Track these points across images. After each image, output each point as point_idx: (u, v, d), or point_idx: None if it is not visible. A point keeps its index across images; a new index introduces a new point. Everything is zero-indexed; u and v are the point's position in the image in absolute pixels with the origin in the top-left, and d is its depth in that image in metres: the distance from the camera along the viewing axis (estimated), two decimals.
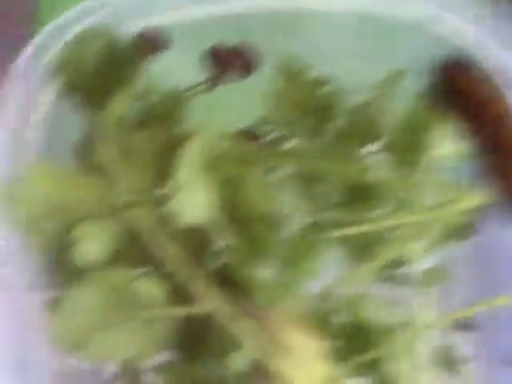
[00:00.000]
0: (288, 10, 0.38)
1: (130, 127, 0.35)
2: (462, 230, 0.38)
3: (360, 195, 0.37)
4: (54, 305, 0.31)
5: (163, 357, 0.34)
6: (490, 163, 0.36)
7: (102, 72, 0.35)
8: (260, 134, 0.40)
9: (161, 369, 0.34)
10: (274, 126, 0.40)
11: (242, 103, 0.40)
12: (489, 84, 0.36)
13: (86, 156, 0.33)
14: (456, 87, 0.36)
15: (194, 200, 0.31)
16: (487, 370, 0.41)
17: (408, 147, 0.38)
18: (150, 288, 0.31)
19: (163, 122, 0.36)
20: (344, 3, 0.39)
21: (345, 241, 0.35)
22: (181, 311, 0.31)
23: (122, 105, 0.34)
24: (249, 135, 0.40)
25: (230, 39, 0.39)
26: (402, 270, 0.37)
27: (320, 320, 0.33)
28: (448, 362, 0.37)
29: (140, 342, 0.31)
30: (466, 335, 0.41)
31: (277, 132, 0.40)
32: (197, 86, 0.38)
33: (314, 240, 0.32)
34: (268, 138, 0.40)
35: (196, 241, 0.32)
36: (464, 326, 0.40)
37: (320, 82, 0.39)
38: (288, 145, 0.39)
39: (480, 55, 0.37)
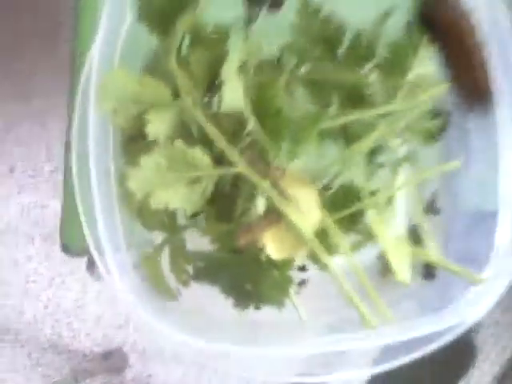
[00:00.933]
0: None
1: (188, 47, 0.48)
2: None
3: (355, 98, 0.50)
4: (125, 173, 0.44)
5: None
6: (454, 70, 0.48)
7: (170, 2, 0.47)
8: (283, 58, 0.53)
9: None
10: (295, 52, 0.52)
11: (272, 33, 0.53)
12: (456, 8, 0.47)
13: (155, 66, 0.46)
14: (432, 15, 0.48)
15: (233, 93, 0.44)
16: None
17: (395, 65, 0.50)
18: (198, 155, 0.44)
19: (210, 48, 0.48)
20: None
21: (341, 130, 0.48)
22: (220, 171, 0.44)
23: (183, 29, 0.47)
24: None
25: None
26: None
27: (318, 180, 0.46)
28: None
29: (190, 196, 0.44)
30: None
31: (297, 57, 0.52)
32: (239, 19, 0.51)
33: (315, 123, 0.44)
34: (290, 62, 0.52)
35: (234, 123, 0.45)
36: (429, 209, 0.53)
37: (330, 19, 0.51)
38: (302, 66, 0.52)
39: None
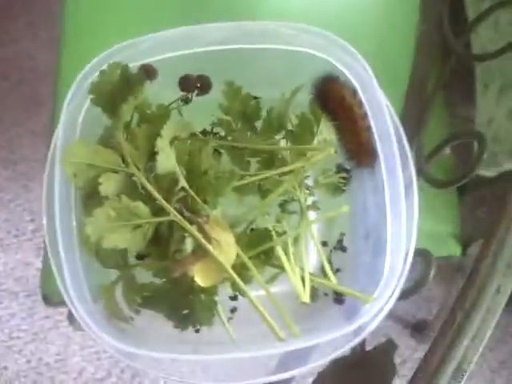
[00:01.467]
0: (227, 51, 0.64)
1: (134, 125, 0.61)
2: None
3: (269, 160, 0.63)
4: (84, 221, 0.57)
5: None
6: (345, 135, 0.61)
7: (119, 90, 0.60)
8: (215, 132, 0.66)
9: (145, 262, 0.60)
10: (222, 126, 0.66)
11: (203, 113, 0.66)
12: (345, 90, 0.61)
13: (108, 138, 0.60)
14: (326, 94, 0.62)
15: (166, 159, 0.57)
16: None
17: (303, 133, 0.64)
18: (140, 207, 0.56)
19: (153, 123, 0.61)
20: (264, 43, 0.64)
21: (258, 185, 0.61)
22: (157, 219, 0.57)
23: (128, 111, 0.60)
24: (207, 132, 0.66)
25: (194, 72, 0.64)
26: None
27: (235, 225, 0.59)
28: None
29: (134, 238, 0.56)
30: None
31: (224, 129, 0.66)
32: (176, 101, 0.64)
33: (230, 181, 0.57)
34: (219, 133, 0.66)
35: (169, 182, 0.58)
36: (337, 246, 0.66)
37: (249, 98, 0.65)
38: (229, 136, 0.65)
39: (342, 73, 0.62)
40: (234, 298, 0.63)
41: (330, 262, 0.63)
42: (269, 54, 0.64)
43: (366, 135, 0.59)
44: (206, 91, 0.64)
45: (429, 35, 0.83)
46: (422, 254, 0.67)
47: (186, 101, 0.64)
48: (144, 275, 0.61)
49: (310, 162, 0.59)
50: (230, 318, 0.64)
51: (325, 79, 0.61)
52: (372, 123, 0.59)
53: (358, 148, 0.60)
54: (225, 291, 0.61)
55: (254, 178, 0.60)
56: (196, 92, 0.64)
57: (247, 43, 0.63)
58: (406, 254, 0.58)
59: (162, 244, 0.57)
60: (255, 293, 0.57)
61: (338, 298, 0.64)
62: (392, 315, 0.63)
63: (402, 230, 0.58)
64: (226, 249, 0.55)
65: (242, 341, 0.62)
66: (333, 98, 0.61)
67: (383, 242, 0.59)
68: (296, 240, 0.60)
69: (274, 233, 0.59)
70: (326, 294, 0.65)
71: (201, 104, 0.65)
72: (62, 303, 0.60)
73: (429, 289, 0.84)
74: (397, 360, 0.65)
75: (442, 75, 0.80)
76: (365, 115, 0.59)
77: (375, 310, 0.56)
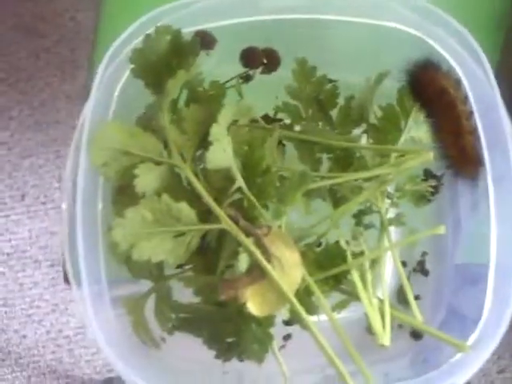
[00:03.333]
0: (300, 22, 0.52)
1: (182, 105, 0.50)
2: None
3: (345, 160, 0.51)
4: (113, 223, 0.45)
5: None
6: (443, 136, 0.49)
7: (167, 60, 0.48)
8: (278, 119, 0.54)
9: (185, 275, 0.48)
10: (289, 112, 0.54)
11: (267, 94, 0.54)
12: (448, 79, 0.48)
13: (148, 120, 0.48)
14: (422, 83, 0.49)
15: (220, 151, 0.45)
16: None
17: (387, 128, 0.51)
18: (184, 210, 0.45)
19: (206, 104, 0.50)
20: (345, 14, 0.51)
21: (330, 190, 0.49)
22: (205, 227, 0.45)
23: (177, 87, 0.48)
24: (269, 118, 0.54)
25: (259, 44, 0.52)
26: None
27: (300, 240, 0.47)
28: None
29: (175, 249, 0.45)
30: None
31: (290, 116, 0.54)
32: (234, 78, 0.52)
33: (301, 185, 0.45)
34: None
35: (221, 180, 0.46)
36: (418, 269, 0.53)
37: (324, 80, 0.53)
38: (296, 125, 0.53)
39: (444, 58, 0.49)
40: (289, 323, 0.51)
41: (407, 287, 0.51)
42: (351, 28, 0.52)
43: (470, 139, 0.47)
44: (273, 68, 0.53)
45: None
46: None
47: (248, 78, 0.52)
48: (181, 290, 0.49)
49: (399, 168, 0.46)
50: (282, 347, 0.53)
51: (421, 64, 0.49)
52: (479, 125, 0.47)
53: (459, 154, 0.48)
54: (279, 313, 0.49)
55: (326, 182, 0.48)
56: (261, 69, 0.52)
57: (325, 13, 0.51)
58: None
59: (208, 257, 0.46)
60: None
61: (416, 332, 0.53)
62: None
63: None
64: (290, 270, 0.44)
65: (295, 375, 0.50)
66: (430, 89, 0.49)
67: (481, 270, 0.47)
68: (375, 262, 0.48)
69: (348, 252, 0.47)
70: (400, 326, 0.53)
71: (264, 84, 0.54)
72: None
73: None
74: None
75: None
76: (470, 114, 0.47)
77: (466, 361, 0.44)
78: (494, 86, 0.47)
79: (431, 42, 0.49)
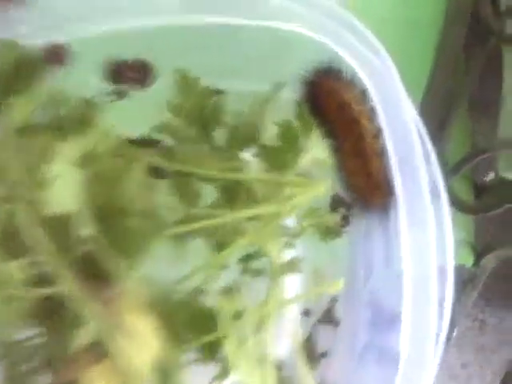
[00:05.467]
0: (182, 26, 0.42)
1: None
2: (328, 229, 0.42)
3: (233, 193, 0.41)
4: None
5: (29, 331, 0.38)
6: (346, 159, 0.39)
7: (8, 79, 0.39)
8: (154, 141, 0.44)
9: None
10: (169, 134, 0.44)
11: (141, 112, 0.44)
12: (350, 91, 0.39)
13: None
14: (321, 95, 0.40)
15: (65, 192, 0.36)
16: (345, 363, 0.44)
17: (282, 151, 0.42)
18: (9, 269, 0.35)
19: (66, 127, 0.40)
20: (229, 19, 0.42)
21: (208, 233, 0.39)
22: (37, 292, 0.35)
23: (21, 110, 0.39)
24: (143, 141, 0.44)
25: (128, 54, 0.43)
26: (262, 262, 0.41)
27: (163, 305, 0.37)
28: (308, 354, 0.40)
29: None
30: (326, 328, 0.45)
31: (170, 139, 0.44)
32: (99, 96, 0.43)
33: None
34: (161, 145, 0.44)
35: (61, 229, 0.36)
36: (325, 318, 0.44)
37: (209, 93, 0.43)
38: (176, 149, 0.43)
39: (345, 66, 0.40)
40: None
41: (312, 344, 0.41)
42: (246, 32, 0.42)
43: (378, 163, 0.38)
44: (146, 83, 0.43)
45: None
46: None
47: (121, 95, 0.43)
48: None
49: (290, 204, 0.37)
50: None
51: (319, 73, 0.40)
52: (390, 145, 0.38)
53: (365, 181, 0.39)
54: None
55: (203, 223, 0.38)
56: (132, 84, 0.43)
57: (208, 14, 0.41)
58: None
59: (47, 330, 0.36)
60: None
61: None
62: None
63: (429, 310, 0.37)
64: (145, 343, 0.34)
65: None
66: (329, 102, 0.39)
67: (395, 318, 0.38)
68: (261, 323, 0.38)
69: (224, 313, 0.37)
70: None
71: (145, 99, 0.45)
72: None
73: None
74: None
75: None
76: (378, 132, 0.38)
77: None
78: (402, 99, 0.38)
79: (334, 46, 0.40)
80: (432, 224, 0.36)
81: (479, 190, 0.65)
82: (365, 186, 0.39)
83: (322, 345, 0.43)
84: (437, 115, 0.59)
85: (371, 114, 0.38)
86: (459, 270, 0.68)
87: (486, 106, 0.63)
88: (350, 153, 0.39)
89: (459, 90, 0.57)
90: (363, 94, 0.39)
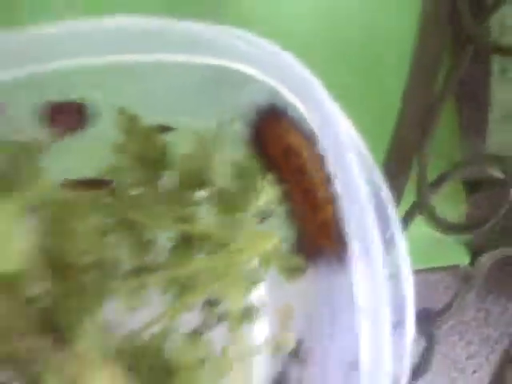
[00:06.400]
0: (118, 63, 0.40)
1: None
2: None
3: (188, 241, 0.40)
4: None
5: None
6: (294, 211, 0.38)
7: None
8: (104, 181, 0.43)
9: None
10: (115, 177, 0.42)
11: (82, 155, 0.42)
12: (296, 133, 0.37)
13: None
14: (266, 137, 0.38)
15: (7, 248, 0.34)
16: None
17: (232, 195, 0.40)
18: None
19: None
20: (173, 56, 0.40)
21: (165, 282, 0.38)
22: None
23: None
24: (90, 184, 0.42)
25: (59, 96, 0.41)
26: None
27: (126, 359, 0.36)
28: None
29: None
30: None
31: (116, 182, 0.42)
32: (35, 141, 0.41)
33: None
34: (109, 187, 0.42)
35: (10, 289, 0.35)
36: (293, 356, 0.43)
37: (153, 132, 0.41)
38: (125, 193, 0.41)
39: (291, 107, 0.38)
40: None
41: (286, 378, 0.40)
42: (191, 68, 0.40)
43: (329, 211, 0.36)
44: (83, 125, 0.41)
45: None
46: (424, 332, 0.55)
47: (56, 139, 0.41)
48: None
49: (245, 254, 0.36)
50: None
51: (263, 114, 0.38)
52: (341, 191, 0.36)
53: (318, 230, 0.37)
54: None
55: (158, 275, 0.37)
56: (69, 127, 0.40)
57: (153, 53, 0.38)
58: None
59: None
60: None
61: None
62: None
63: (383, 351, 0.36)
64: None
65: None
66: (274, 146, 0.37)
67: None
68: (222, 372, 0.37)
69: (183, 366, 0.36)
70: None
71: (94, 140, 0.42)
72: None
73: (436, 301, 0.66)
74: None
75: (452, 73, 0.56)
76: (328, 178, 0.36)
77: None
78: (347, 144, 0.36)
79: (280, 85, 0.37)
80: (383, 279, 0.35)
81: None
82: (318, 236, 0.37)
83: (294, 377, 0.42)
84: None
85: (321, 159, 0.36)
86: (455, 269, 0.69)
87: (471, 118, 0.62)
88: (298, 200, 0.37)
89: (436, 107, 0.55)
90: (311, 138, 0.36)
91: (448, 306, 0.63)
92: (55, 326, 0.36)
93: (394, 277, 0.37)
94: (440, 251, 0.72)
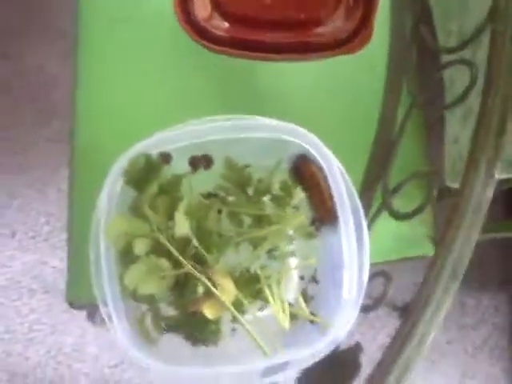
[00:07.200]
0: (227, 137, 0.85)
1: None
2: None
3: (259, 219, 0.84)
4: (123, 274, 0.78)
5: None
6: (314, 200, 0.83)
7: (144, 173, 0.81)
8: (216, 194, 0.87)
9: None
10: (223, 191, 0.87)
11: (209, 180, 0.87)
12: (314, 167, 0.82)
13: (135, 208, 0.80)
14: (300, 169, 0.83)
15: (181, 226, 0.78)
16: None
17: (283, 197, 0.85)
18: (163, 263, 0.77)
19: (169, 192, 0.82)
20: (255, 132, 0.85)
21: (249, 238, 0.82)
22: (176, 272, 0.78)
23: (152, 190, 0.81)
24: (211, 195, 0.87)
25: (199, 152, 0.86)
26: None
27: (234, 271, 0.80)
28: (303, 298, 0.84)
29: (160, 286, 0.78)
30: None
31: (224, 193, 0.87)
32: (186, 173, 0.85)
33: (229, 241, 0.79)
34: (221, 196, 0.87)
35: (184, 243, 0.79)
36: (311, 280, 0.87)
37: (242, 169, 0.86)
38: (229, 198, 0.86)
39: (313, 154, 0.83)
40: (234, 320, 0.83)
41: (305, 293, 0.84)
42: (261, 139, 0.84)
43: (330, 203, 0.81)
44: (208, 166, 0.85)
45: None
46: (383, 275, 0.85)
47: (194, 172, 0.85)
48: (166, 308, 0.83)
49: (287, 224, 0.80)
50: (231, 334, 0.85)
51: (299, 157, 0.83)
52: (335, 193, 0.80)
53: (325, 212, 0.82)
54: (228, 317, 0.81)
55: (246, 236, 0.81)
56: (202, 167, 0.85)
57: (241, 133, 0.83)
58: (361, 284, 0.78)
59: (181, 288, 0.78)
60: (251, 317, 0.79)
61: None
62: (383, 300, 0.80)
63: (353, 265, 0.79)
64: (227, 291, 0.77)
65: (241, 353, 0.83)
66: (305, 173, 0.82)
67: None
68: (278, 280, 0.81)
69: (261, 276, 0.80)
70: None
71: (208, 174, 0.87)
72: (84, 307, 0.92)
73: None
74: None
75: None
76: (329, 187, 0.80)
77: (338, 331, 0.78)
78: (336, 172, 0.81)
79: (305, 145, 0.82)
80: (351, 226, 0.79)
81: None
82: (324, 215, 0.82)
83: (310, 293, 0.86)
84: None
85: (325, 178, 0.81)
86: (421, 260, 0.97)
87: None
88: (315, 195, 0.82)
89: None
90: (320, 169, 0.81)
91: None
92: (202, 259, 0.80)
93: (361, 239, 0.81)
94: (409, 245, 1.02)
